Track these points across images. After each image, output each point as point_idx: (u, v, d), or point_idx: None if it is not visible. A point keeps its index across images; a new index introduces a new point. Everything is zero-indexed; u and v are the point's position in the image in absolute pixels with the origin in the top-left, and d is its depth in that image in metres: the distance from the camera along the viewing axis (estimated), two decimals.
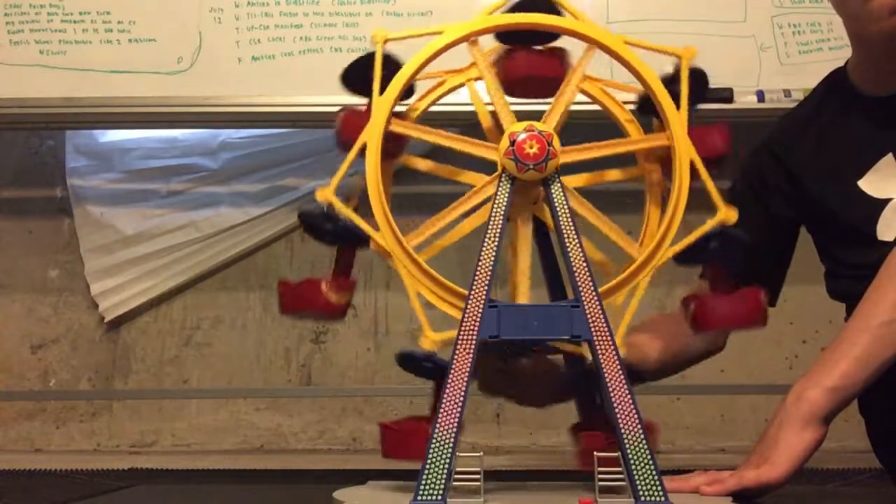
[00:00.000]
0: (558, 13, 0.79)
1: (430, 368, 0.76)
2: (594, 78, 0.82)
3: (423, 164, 0.84)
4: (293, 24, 1.81)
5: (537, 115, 0.76)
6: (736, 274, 0.79)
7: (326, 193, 0.75)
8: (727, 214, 0.76)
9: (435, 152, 0.82)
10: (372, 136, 0.76)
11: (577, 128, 0.85)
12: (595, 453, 0.72)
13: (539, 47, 0.80)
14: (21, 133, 2.11)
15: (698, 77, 0.79)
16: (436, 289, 0.75)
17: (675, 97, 0.77)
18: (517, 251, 0.78)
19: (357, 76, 0.80)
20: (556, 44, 0.80)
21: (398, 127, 0.78)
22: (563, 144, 0.76)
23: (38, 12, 1.82)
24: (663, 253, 0.75)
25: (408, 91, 0.81)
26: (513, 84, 0.79)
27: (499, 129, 0.78)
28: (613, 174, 0.83)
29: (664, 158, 0.80)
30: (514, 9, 0.79)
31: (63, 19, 1.82)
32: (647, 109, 0.81)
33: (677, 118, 0.77)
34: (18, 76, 1.80)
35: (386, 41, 0.79)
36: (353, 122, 0.78)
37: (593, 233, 0.77)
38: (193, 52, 1.81)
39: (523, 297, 0.76)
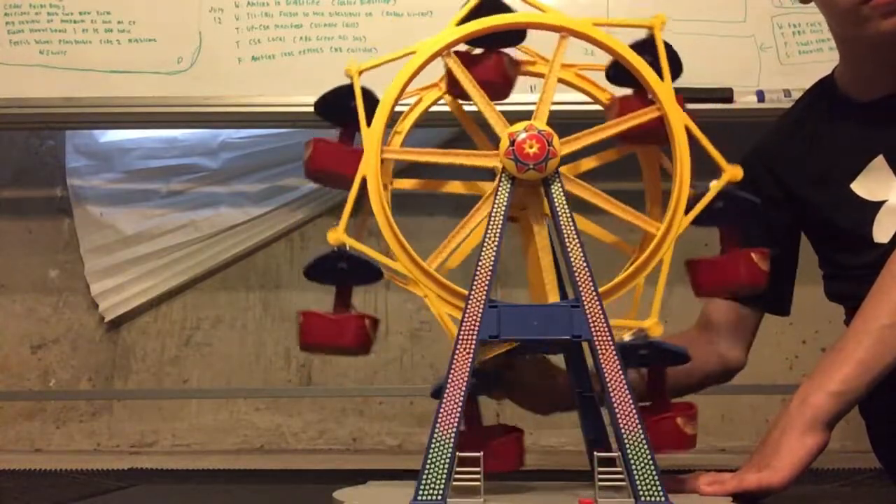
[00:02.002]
0: (510, 9, 0.79)
1: (342, 269, 0.75)
2: (567, 64, 0.83)
3: (407, 184, 0.84)
4: (293, 24, 1.81)
5: (526, 115, 0.76)
6: (750, 236, 0.79)
7: (339, 235, 0.75)
8: (733, 172, 0.76)
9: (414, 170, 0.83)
10: (370, 168, 0.76)
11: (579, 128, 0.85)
12: (595, 453, 0.72)
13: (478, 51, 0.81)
14: (21, 133, 2.10)
15: (671, 52, 0.79)
16: (413, 269, 0.75)
17: (655, 69, 0.78)
18: (540, 250, 0.78)
19: (331, 107, 0.80)
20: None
21: (394, 154, 0.78)
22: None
23: (38, 12, 1.82)
24: (679, 222, 0.75)
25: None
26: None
27: (485, 131, 0.79)
28: (612, 154, 0.83)
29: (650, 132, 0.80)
30: (474, 14, 0.79)
31: (63, 19, 1.82)
32: (617, 80, 0.81)
33: (663, 88, 0.77)
34: (18, 76, 1.80)
35: (361, 72, 0.78)
36: (323, 150, 0.78)
37: (602, 217, 0.78)
38: (193, 52, 1.81)
39: (553, 295, 0.76)
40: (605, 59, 0.82)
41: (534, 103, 0.77)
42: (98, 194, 2.05)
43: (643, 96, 0.80)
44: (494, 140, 0.77)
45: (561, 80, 0.81)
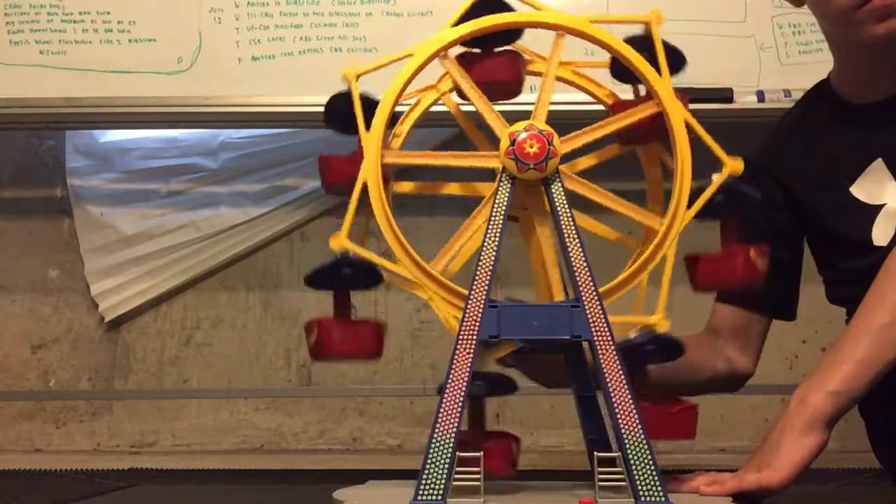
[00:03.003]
0: (511, 10, 0.79)
1: (348, 275, 0.75)
2: (565, 62, 0.82)
3: (407, 187, 0.84)
4: (293, 24, 1.81)
5: (524, 115, 0.76)
6: (750, 232, 0.79)
7: (341, 241, 0.75)
8: (734, 165, 0.76)
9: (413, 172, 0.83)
10: (371, 173, 0.76)
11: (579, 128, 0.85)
12: (595, 453, 0.72)
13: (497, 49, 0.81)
14: (21, 133, 2.10)
15: (669, 48, 0.79)
16: (417, 272, 0.75)
17: (653, 64, 0.77)
18: (544, 249, 0.78)
19: (336, 115, 0.80)
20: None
21: (394, 158, 0.78)
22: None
23: (38, 12, 1.82)
24: (682, 216, 0.75)
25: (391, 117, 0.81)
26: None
27: (484, 131, 0.79)
28: (611, 150, 0.83)
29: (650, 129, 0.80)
30: (470, 14, 0.79)
31: (63, 19, 1.82)
32: (621, 76, 0.81)
33: (661, 83, 0.77)
34: (18, 76, 1.80)
35: (358, 77, 0.78)
36: (334, 165, 0.78)
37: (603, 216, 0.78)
38: (193, 52, 1.81)
39: (559, 294, 0.77)
40: (604, 56, 0.82)
41: (532, 103, 0.77)
42: (98, 194, 2.05)
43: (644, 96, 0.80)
44: (494, 140, 0.77)
45: (559, 79, 0.81)
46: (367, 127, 0.76)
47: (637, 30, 0.80)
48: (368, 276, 0.76)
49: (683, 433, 0.76)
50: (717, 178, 0.76)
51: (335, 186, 0.79)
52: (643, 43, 0.79)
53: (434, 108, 0.85)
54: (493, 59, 0.80)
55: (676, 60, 0.80)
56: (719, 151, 0.76)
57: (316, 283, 0.77)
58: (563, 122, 0.77)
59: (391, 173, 0.81)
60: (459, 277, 0.77)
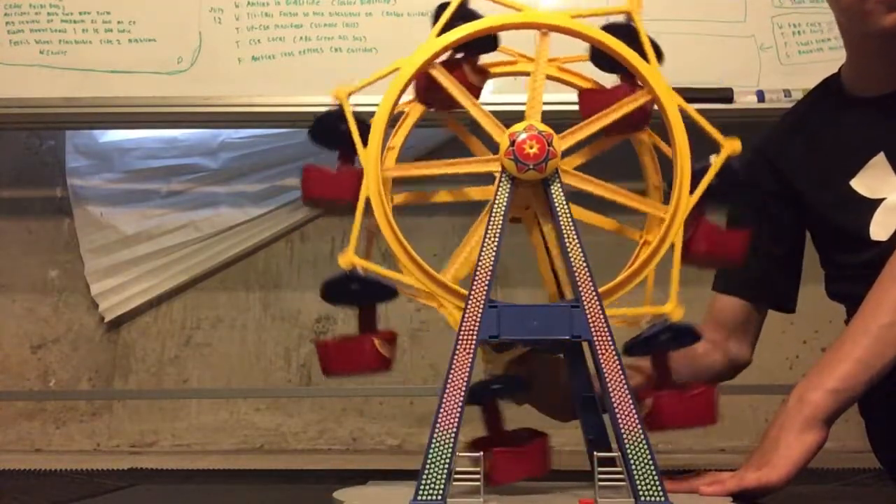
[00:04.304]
0: (478, 16, 0.80)
1: (356, 290, 0.76)
2: (549, 59, 0.82)
3: (399, 199, 0.85)
4: (293, 24, 1.81)
5: (517, 114, 0.76)
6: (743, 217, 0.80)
7: (349, 258, 0.75)
8: (732, 145, 0.76)
9: (435, 155, 0.83)
10: (373, 190, 0.76)
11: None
12: (595, 453, 0.72)
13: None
14: (21, 133, 2.10)
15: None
16: (427, 282, 0.76)
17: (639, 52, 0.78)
18: (551, 248, 0.79)
19: (324, 132, 0.80)
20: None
21: (395, 172, 0.79)
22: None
23: (38, 12, 1.82)
24: (686, 202, 0.75)
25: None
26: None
27: (475, 133, 0.81)
28: (605, 142, 0.83)
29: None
30: (452, 24, 0.79)
31: (63, 19, 1.82)
32: (602, 66, 0.81)
33: (651, 71, 0.77)
34: (18, 76, 1.80)
35: (349, 95, 0.78)
36: (315, 178, 0.78)
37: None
38: (193, 52, 1.81)
39: (569, 291, 0.77)
40: (585, 48, 0.82)
41: (523, 103, 0.77)
42: (98, 194, 2.05)
43: (630, 82, 0.79)
44: (490, 144, 0.77)
45: (548, 77, 0.81)
46: (364, 144, 0.77)
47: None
48: (380, 290, 0.76)
49: (704, 418, 0.76)
50: (715, 160, 0.76)
51: (313, 200, 0.80)
52: (623, 31, 0.79)
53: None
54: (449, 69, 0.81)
55: (656, 50, 0.80)
56: (715, 133, 0.76)
57: (330, 298, 0.78)
58: (556, 121, 0.77)
59: (391, 187, 0.81)
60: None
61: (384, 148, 0.80)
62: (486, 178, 0.78)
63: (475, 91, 0.82)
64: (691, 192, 0.76)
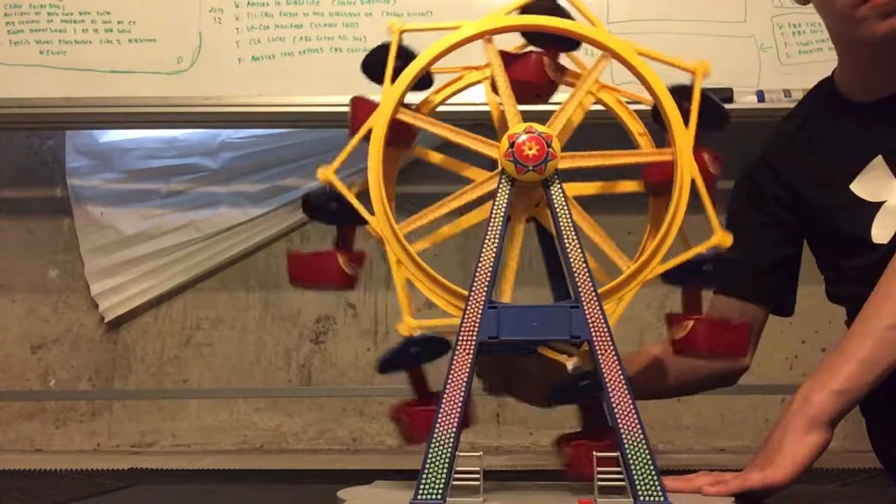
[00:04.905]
0: (567, 15, 0.80)
1: (418, 353, 0.76)
2: (611, 87, 0.82)
3: (434, 157, 0.85)
4: (293, 24, 1.81)
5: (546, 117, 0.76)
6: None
7: (327, 173, 0.76)
8: (723, 238, 0.75)
9: (445, 148, 0.83)
10: (378, 123, 0.77)
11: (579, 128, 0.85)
12: (595, 453, 0.72)
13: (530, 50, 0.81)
14: (21, 133, 2.10)
15: (710, 103, 0.78)
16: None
17: (685, 114, 0.77)
18: (509, 251, 0.78)
19: (374, 65, 0.80)
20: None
21: (404, 116, 0.79)
22: (573, 148, 0.76)
23: (38, 12, 1.82)
24: (652, 269, 0.75)
25: (427, 83, 0.82)
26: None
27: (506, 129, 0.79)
28: (622, 185, 0.84)
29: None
30: (526, 9, 0.79)
31: (63, 19, 1.82)
32: (658, 120, 0.80)
33: (684, 134, 0.76)
34: (18, 76, 1.80)
35: (402, 32, 0.79)
36: (364, 108, 0.79)
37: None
38: (193, 52, 1.81)
39: (506, 297, 0.77)
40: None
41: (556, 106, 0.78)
42: (98, 194, 2.05)
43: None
44: (483, 162, 0.78)
45: (599, 101, 0.81)
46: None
47: (682, 77, 0.79)
48: (437, 348, 0.76)
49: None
50: (701, 245, 0.75)
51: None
52: (686, 94, 0.78)
53: (455, 109, 0.85)
54: (521, 59, 0.80)
55: (718, 116, 0.79)
56: (714, 220, 0.75)
57: (389, 369, 0.78)
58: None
59: (412, 138, 0.81)
60: (458, 277, 0.77)
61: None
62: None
63: (552, 87, 0.81)
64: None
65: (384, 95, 0.77)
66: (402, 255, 0.76)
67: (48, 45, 1.81)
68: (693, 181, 0.75)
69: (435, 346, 0.76)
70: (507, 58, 0.80)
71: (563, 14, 0.80)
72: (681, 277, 0.77)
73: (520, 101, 0.78)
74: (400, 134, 0.80)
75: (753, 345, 1.14)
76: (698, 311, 0.79)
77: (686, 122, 0.76)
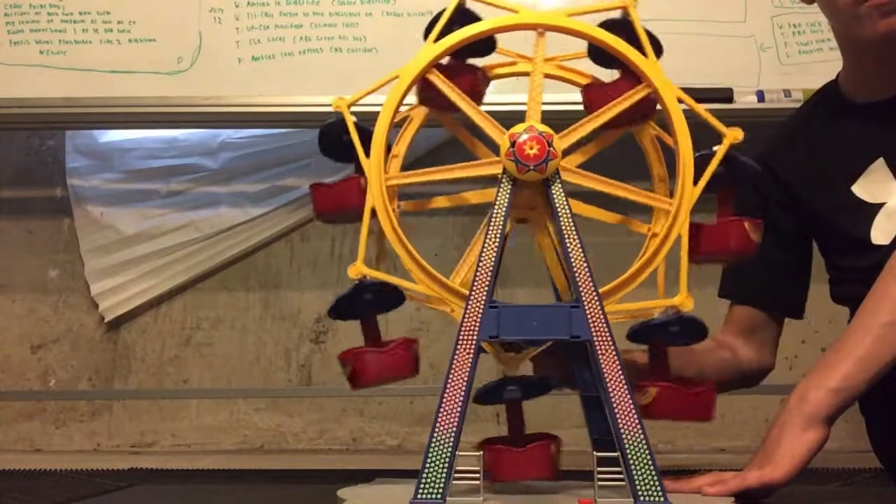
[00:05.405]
0: (479, 19, 0.80)
1: (370, 300, 0.77)
2: (547, 58, 0.82)
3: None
4: (293, 24, 1.81)
5: (518, 115, 0.76)
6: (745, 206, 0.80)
7: (358, 268, 0.76)
8: (734, 134, 0.76)
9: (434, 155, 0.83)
10: (378, 199, 0.77)
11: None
12: (595, 453, 0.72)
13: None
14: (21, 133, 2.10)
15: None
16: (394, 237, 0.76)
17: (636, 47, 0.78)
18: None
19: (332, 145, 0.81)
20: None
21: (398, 180, 0.79)
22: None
23: (38, 12, 1.82)
24: (690, 193, 0.75)
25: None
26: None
27: (474, 133, 0.81)
28: (608, 137, 0.83)
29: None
30: (448, 28, 0.80)
31: (63, 19, 1.82)
32: (601, 61, 0.82)
33: (649, 65, 0.77)
34: (18, 76, 1.80)
35: (349, 106, 0.79)
36: (323, 195, 0.80)
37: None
38: (193, 52, 1.81)
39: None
40: (582, 45, 0.82)
41: (524, 103, 0.77)
42: (98, 194, 2.05)
43: (630, 76, 0.79)
44: (492, 146, 0.77)
45: (546, 76, 0.82)
46: (366, 154, 0.77)
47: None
48: (390, 297, 0.77)
49: (702, 414, 0.77)
50: (718, 150, 0.76)
51: (326, 215, 0.81)
52: (620, 26, 0.79)
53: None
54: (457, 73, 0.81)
55: (655, 44, 0.80)
56: (716, 123, 0.77)
57: (340, 313, 0.78)
58: (556, 121, 0.77)
59: (397, 195, 0.82)
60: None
61: (388, 156, 0.81)
62: (488, 179, 0.78)
63: (478, 95, 0.82)
64: (695, 183, 0.76)
65: (368, 170, 0.77)
66: (379, 203, 0.76)
67: (48, 45, 1.81)
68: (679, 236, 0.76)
69: (388, 294, 0.77)
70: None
71: (475, 17, 0.80)
72: (647, 337, 0.77)
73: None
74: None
75: (773, 346, 1.18)
76: (665, 374, 0.77)
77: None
